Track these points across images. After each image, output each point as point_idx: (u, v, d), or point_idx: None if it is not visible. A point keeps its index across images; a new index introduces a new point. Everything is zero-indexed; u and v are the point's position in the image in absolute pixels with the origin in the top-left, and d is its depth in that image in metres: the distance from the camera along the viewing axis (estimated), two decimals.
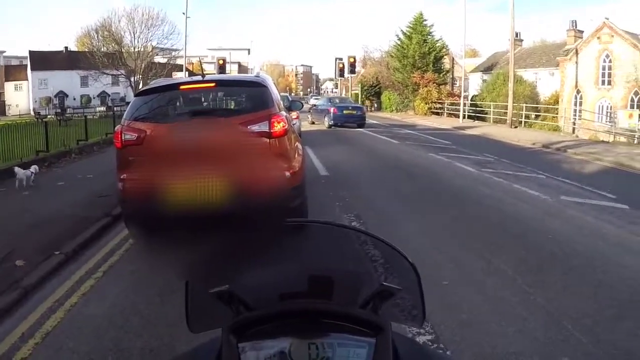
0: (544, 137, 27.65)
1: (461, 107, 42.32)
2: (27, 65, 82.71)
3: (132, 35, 60.46)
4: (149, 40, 61.50)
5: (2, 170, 14.56)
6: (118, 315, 5.64)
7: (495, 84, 43.65)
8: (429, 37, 57.73)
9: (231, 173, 6.97)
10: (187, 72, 47.82)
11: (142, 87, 32.12)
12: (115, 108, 54.52)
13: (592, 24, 35.83)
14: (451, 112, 48.37)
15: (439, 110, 51.15)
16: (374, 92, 69.55)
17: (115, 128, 7.76)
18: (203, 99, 8.99)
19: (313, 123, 35.99)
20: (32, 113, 66.70)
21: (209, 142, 7.02)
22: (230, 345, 1.34)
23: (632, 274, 6.70)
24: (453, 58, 66.12)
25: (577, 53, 35.42)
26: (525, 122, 36.39)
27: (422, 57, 55.91)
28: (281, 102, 8.48)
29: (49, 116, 47.72)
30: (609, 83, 33.03)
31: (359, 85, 70.23)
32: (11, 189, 12.78)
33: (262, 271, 1.69)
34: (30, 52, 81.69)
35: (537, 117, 38.39)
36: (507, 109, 35.90)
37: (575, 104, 35.69)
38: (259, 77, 8.65)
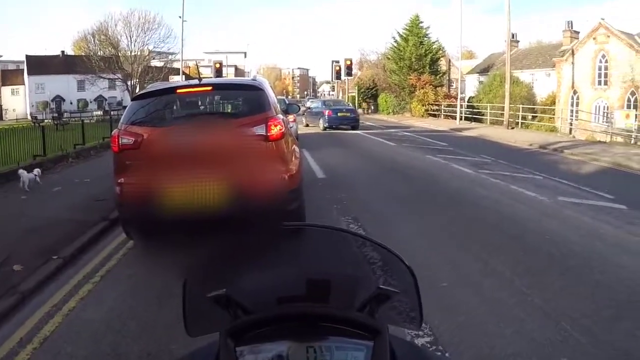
0: (541, 138, 27.64)
1: (458, 109, 42.39)
2: (23, 69, 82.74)
3: (129, 39, 60.62)
4: (145, 44, 61.66)
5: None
6: (116, 320, 5.63)
7: (492, 86, 43.74)
8: (425, 39, 57.79)
9: (228, 176, 6.97)
10: (183, 76, 47.85)
11: (139, 91, 32.12)
12: (112, 112, 54.56)
13: (588, 24, 36.07)
14: (448, 113, 48.40)
15: (435, 112, 51.19)
16: (370, 94, 69.66)
17: (112, 132, 7.75)
18: (200, 103, 8.99)
19: (307, 125, 36.06)
20: (29, 117, 66.82)
21: (206, 146, 7.02)
22: (228, 349, 1.34)
23: (630, 274, 6.70)
24: (449, 60, 66.27)
25: (573, 54, 35.53)
26: (522, 123, 36.45)
27: (418, 59, 55.95)
28: (278, 105, 8.48)
29: (46, 120, 47.82)
30: (606, 83, 33.13)
31: (356, 87, 70.31)
32: (9, 192, 12.78)
33: (259, 275, 1.69)
34: (27, 57, 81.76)
35: (533, 118, 38.50)
36: (503, 110, 35.94)
37: (572, 105, 35.81)
38: (255, 80, 8.65)
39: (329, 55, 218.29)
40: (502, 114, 36.42)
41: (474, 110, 44.27)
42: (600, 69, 33.64)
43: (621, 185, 14.22)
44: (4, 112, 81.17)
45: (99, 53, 60.96)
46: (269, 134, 7.16)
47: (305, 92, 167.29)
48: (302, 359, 1.32)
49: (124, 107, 21.99)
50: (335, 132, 31.91)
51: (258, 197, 6.96)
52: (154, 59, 65.43)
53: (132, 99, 8.42)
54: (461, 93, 45.80)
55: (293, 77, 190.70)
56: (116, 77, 60.81)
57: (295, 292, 1.57)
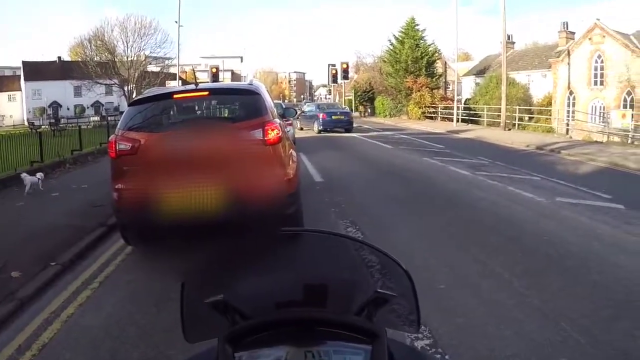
0: (538, 139, 27.66)
1: (454, 111, 42.38)
2: (20, 75, 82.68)
3: (125, 44, 60.57)
4: (141, 49, 61.59)
5: None
6: (114, 326, 5.62)
7: (488, 87, 43.71)
8: (421, 41, 57.74)
9: (226, 181, 6.97)
10: (180, 81, 47.81)
11: (136, 96, 32.13)
12: (109, 117, 54.47)
13: (584, 25, 36.03)
14: (445, 116, 48.42)
15: (432, 115, 51.19)
16: (367, 97, 69.61)
17: (110, 138, 7.75)
18: (197, 108, 8.99)
19: (302, 129, 36.12)
20: (26, 123, 66.73)
21: (203, 151, 7.02)
22: (226, 354, 1.34)
23: (628, 274, 6.71)
24: (446, 62, 66.27)
25: (569, 54, 35.57)
26: (518, 124, 36.44)
27: (414, 61, 55.91)
28: (275, 110, 8.50)
29: (43, 126, 47.66)
30: (602, 83, 33.16)
31: (353, 91, 70.29)
32: (7, 199, 12.79)
33: (257, 280, 1.69)
34: (24, 63, 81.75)
35: (530, 119, 38.49)
36: (500, 112, 35.97)
37: (568, 105, 35.81)
38: (252, 85, 8.66)
39: (325, 58, 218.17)
40: (499, 116, 36.44)
41: (471, 112, 44.26)
42: (596, 69, 33.67)
43: (618, 185, 14.23)
44: (1, 118, 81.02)
45: (95, 58, 60.93)
46: (266, 139, 7.18)
47: (302, 96, 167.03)
48: None
49: (121, 113, 21.91)
50: (332, 136, 31.96)
51: (256, 202, 6.96)
52: (150, 64, 65.39)
53: (129, 105, 8.42)
54: (458, 95, 45.76)
55: (289, 81, 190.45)
56: (113, 82, 60.74)
57: (293, 297, 1.57)
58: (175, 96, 8.17)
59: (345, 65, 49.97)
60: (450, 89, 60.19)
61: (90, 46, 62.59)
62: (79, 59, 65.61)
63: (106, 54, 60.29)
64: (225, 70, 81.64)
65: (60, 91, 79.34)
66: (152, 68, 65.69)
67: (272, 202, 7.11)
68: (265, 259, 1.73)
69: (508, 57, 40.31)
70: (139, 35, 60.80)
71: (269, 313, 1.47)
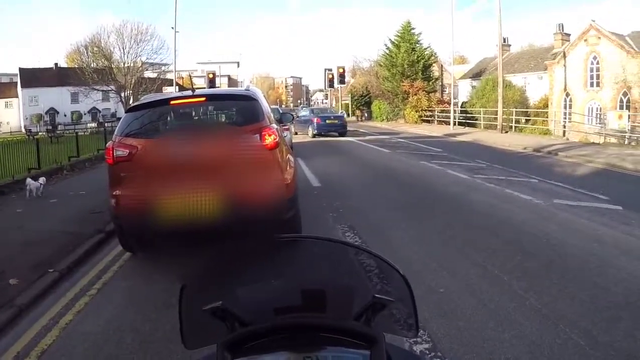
0: (535, 141, 27.69)
1: (451, 114, 42.41)
2: (17, 82, 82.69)
3: (122, 50, 60.71)
4: (138, 55, 61.74)
5: None
6: (113, 332, 5.61)
7: (485, 90, 43.80)
8: (417, 45, 57.76)
9: (224, 187, 6.96)
10: (177, 87, 47.84)
11: (133, 102, 32.13)
12: (106, 124, 54.51)
13: (579, 26, 36.16)
14: (442, 119, 48.48)
15: (429, 118, 51.23)
16: (364, 101, 69.71)
17: (107, 144, 7.75)
18: (194, 114, 8.98)
19: (296, 133, 36.24)
20: (23, 130, 66.62)
21: (200, 157, 7.02)
22: None
23: (627, 275, 6.71)
24: (442, 65, 66.31)
25: (564, 56, 35.68)
26: (515, 126, 36.51)
27: (410, 65, 55.93)
28: (272, 115, 8.49)
29: (40, 133, 47.69)
30: (598, 85, 33.28)
31: (349, 95, 70.36)
32: (4, 206, 12.78)
33: (256, 286, 1.69)
34: (20, 69, 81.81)
35: (527, 121, 38.57)
36: (497, 115, 36.04)
37: (565, 107, 35.93)
38: (249, 90, 8.67)
39: (322, 63, 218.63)
40: (496, 118, 36.52)
41: (468, 115, 44.33)
42: (592, 70, 33.80)
43: (616, 186, 14.25)
44: None
45: (92, 65, 61.02)
46: (263, 144, 7.18)
47: (299, 101, 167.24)
48: None
49: (118, 119, 21.90)
50: (329, 140, 32.00)
51: (253, 207, 6.96)
52: (147, 70, 65.44)
53: (126, 111, 8.41)
54: (454, 98, 45.81)
55: (286, 86, 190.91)
56: (110, 88, 60.83)
57: (291, 302, 1.57)
58: (172, 102, 8.16)
59: (341, 70, 50.16)
60: (447, 92, 60.27)
61: (87, 52, 62.70)
62: (76, 66, 65.59)
63: (103, 60, 60.39)
64: (222, 76, 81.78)
65: (57, 98, 79.36)
66: (148, 74, 65.73)
67: (270, 207, 7.11)
68: (263, 265, 1.73)
69: (504, 59, 40.39)
70: (135, 41, 60.98)
71: (267, 319, 1.47)
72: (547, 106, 38.01)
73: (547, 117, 36.95)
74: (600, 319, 5.36)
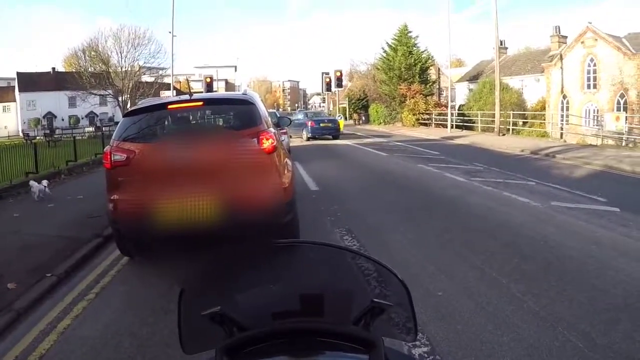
0: (532, 144, 27.73)
1: (449, 117, 42.53)
2: (14, 86, 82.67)
3: (119, 54, 60.68)
4: (135, 59, 61.75)
5: None
6: (111, 337, 5.60)
7: (482, 93, 43.88)
8: (414, 48, 57.92)
9: (222, 191, 6.96)
10: (174, 91, 47.84)
11: (130, 106, 32.13)
12: (103, 128, 54.52)
13: (576, 28, 36.19)
14: (439, 122, 48.53)
15: (426, 121, 51.31)
16: (361, 105, 69.82)
17: (105, 149, 7.75)
18: (191, 118, 8.98)
19: (290, 137, 36.40)
20: (20, 134, 66.71)
21: (198, 161, 7.01)
22: None
23: (626, 277, 6.71)
24: (439, 68, 66.44)
25: (561, 58, 35.72)
26: (513, 129, 36.53)
27: (408, 68, 56.08)
28: (269, 119, 8.49)
29: (37, 137, 47.71)
30: (595, 87, 33.31)
31: (347, 98, 70.42)
32: (1, 210, 12.76)
33: (254, 291, 1.69)
34: (18, 74, 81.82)
35: (524, 123, 38.60)
36: (494, 117, 36.07)
37: (562, 109, 35.96)
38: (246, 94, 8.66)
39: (319, 67, 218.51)
40: (493, 121, 36.55)
41: (465, 118, 44.41)
42: (589, 72, 33.84)
43: (614, 188, 14.27)
44: None
45: (89, 69, 61.03)
46: (261, 148, 7.18)
47: (296, 105, 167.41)
48: None
49: (116, 123, 21.88)
50: (326, 144, 32.08)
51: (252, 211, 6.96)
52: (144, 74, 65.46)
53: (124, 115, 8.41)
54: (451, 101, 45.97)
55: (283, 90, 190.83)
56: (107, 93, 60.86)
57: (289, 307, 1.57)
58: (169, 107, 8.16)
59: (338, 73, 50.04)
60: (444, 95, 60.42)
61: (84, 57, 62.70)
62: (73, 70, 65.71)
63: (100, 64, 60.37)
64: (219, 80, 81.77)
65: (55, 102, 79.45)
66: (146, 78, 65.74)
67: (268, 211, 7.11)
68: (262, 269, 1.73)
69: (501, 62, 40.48)
70: (132, 45, 60.98)
71: (266, 324, 1.47)
72: (545, 108, 38.08)
73: (544, 120, 37.03)
74: (599, 321, 5.36)
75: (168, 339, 5.16)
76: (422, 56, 58.01)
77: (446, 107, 46.50)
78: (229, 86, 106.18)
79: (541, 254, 7.81)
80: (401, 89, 54.46)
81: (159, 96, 47.24)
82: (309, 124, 36.38)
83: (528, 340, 5.00)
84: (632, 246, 8.22)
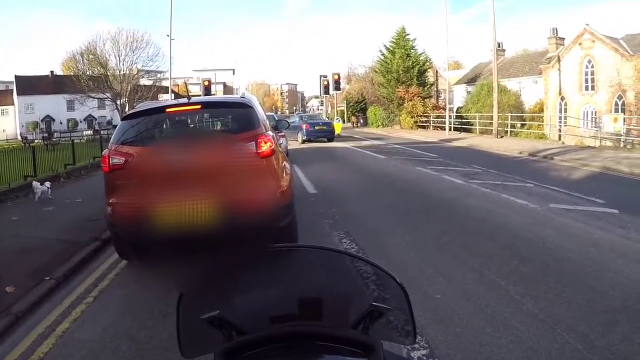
0: (531, 146, 27.75)
1: (447, 120, 42.52)
2: (13, 90, 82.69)
3: (117, 58, 60.76)
4: (134, 62, 61.82)
5: None
6: (110, 340, 5.60)
7: (480, 95, 43.88)
8: (412, 51, 57.91)
9: (220, 194, 6.96)
10: (172, 94, 47.83)
11: (129, 110, 32.13)
12: (102, 131, 54.45)
13: (574, 30, 36.22)
14: (437, 124, 48.57)
15: (424, 124, 51.34)
16: (359, 108, 69.84)
17: (103, 152, 7.75)
18: (189, 122, 8.99)
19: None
20: (19, 138, 66.70)
21: (196, 165, 7.01)
22: None
23: (624, 278, 6.71)
24: (437, 71, 66.45)
25: (559, 60, 35.73)
26: (511, 131, 36.53)
27: (405, 71, 56.06)
28: (267, 122, 8.49)
29: (36, 141, 47.70)
30: (593, 88, 33.33)
31: (345, 101, 70.42)
32: (0, 213, 12.78)
33: (253, 295, 1.69)
34: (16, 77, 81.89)
35: (522, 125, 38.62)
36: (492, 120, 36.10)
37: (560, 111, 35.96)
38: (244, 97, 8.66)
39: (317, 70, 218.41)
40: (491, 123, 36.59)
41: (463, 120, 44.40)
42: (586, 74, 33.85)
43: (612, 189, 14.28)
44: None
45: (87, 72, 61.06)
46: (259, 151, 7.17)
47: (294, 108, 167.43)
48: None
49: (114, 127, 21.85)
50: (324, 146, 32.14)
51: (250, 214, 6.96)
52: (142, 77, 65.51)
53: (122, 119, 8.41)
54: (449, 104, 45.87)
55: (281, 93, 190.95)
56: (105, 96, 60.92)
57: (288, 311, 1.57)
58: (167, 110, 8.16)
59: (336, 76, 50.13)
60: (442, 97, 60.36)
61: (83, 60, 62.74)
62: (72, 73, 65.73)
63: (98, 67, 60.41)
64: (217, 83, 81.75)
65: (53, 105, 79.43)
66: (144, 81, 65.82)
67: (266, 214, 7.10)
68: (260, 273, 1.73)
69: (499, 64, 40.49)
70: (131, 48, 61.06)
71: (264, 328, 1.47)
72: (543, 110, 38.07)
73: (542, 122, 37.02)
74: (598, 322, 5.37)
75: (167, 342, 5.16)
76: (420, 59, 58.00)
77: (444, 109, 46.48)
78: (227, 89, 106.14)
79: (539, 256, 7.82)
80: (399, 91, 54.46)
81: (157, 99, 47.29)
82: (304, 126, 37.03)
83: (527, 343, 5.00)
84: (631, 248, 8.22)
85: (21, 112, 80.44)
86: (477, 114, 41.47)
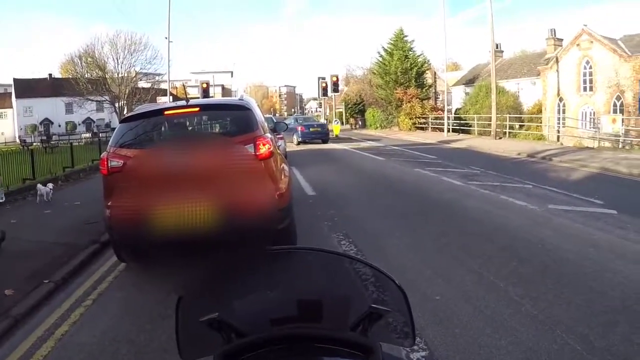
0: (529, 147, 27.76)
1: (445, 121, 42.54)
2: (11, 92, 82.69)
3: (116, 60, 60.57)
4: (132, 65, 61.63)
5: None
6: (109, 343, 5.59)
7: (478, 96, 43.90)
8: (410, 52, 57.93)
9: (218, 197, 6.95)
10: (171, 97, 47.83)
11: (127, 112, 32.15)
12: (100, 134, 54.42)
13: (572, 31, 36.21)
14: (435, 126, 48.57)
15: (423, 125, 51.31)
16: (358, 109, 69.89)
17: (101, 155, 7.74)
18: (188, 124, 8.98)
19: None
20: (17, 141, 66.60)
21: (195, 167, 7.00)
22: None
23: (623, 279, 6.72)
24: (435, 72, 66.44)
25: (557, 61, 35.75)
26: (509, 132, 36.59)
27: (404, 72, 56.06)
28: (265, 124, 8.49)
29: (34, 144, 47.64)
30: (591, 89, 33.35)
31: (343, 103, 70.43)
32: None
33: (252, 297, 1.69)
34: (15, 80, 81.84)
35: (521, 127, 38.62)
36: (491, 121, 36.09)
37: (559, 112, 35.98)
38: (242, 100, 8.66)
39: (315, 71, 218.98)
40: (490, 125, 36.58)
41: (462, 121, 44.38)
42: (585, 75, 33.86)
43: (610, 190, 14.28)
44: None
45: (86, 75, 60.91)
46: (257, 154, 7.17)
47: (293, 110, 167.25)
48: None
49: (112, 129, 21.87)
50: (322, 148, 32.20)
51: (248, 217, 6.94)
52: (141, 80, 65.40)
53: (120, 122, 8.40)
54: (448, 105, 45.86)
55: (280, 95, 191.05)
56: (104, 99, 60.77)
57: (287, 313, 1.57)
58: (166, 113, 8.15)
59: (335, 78, 50.12)
60: (440, 99, 60.40)
61: (81, 63, 62.60)
62: (70, 76, 65.64)
63: (97, 70, 60.29)
64: (215, 86, 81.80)
65: (52, 108, 79.37)
66: (142, 84, 65.71)
67: (264, 217, 7.09)
68: (259, 275, 1.73)
69: (497, 65, 40.52)
70: (129, 51, 60.90)
71: (264, 330, 1.47)
72: (541, 111, 38.06)
73: (540, 123, 37.01)
74: (597, 323, 5.37)
75: (166, 345, 5.16)
76: (418, 60, 58.03)
77: (443, 111, 46.51)
78: (226, 92, 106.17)
79: (538, 257, 7.82)
80: (397, 93, 54.46)
81: (156, 102, 47.29)
82: (299, 129, 37.61)
83: (526, 344, 5.00)
84: (630, 248, 8.22)
85: (20, 115, 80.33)
86: (475, 116, 41.49)
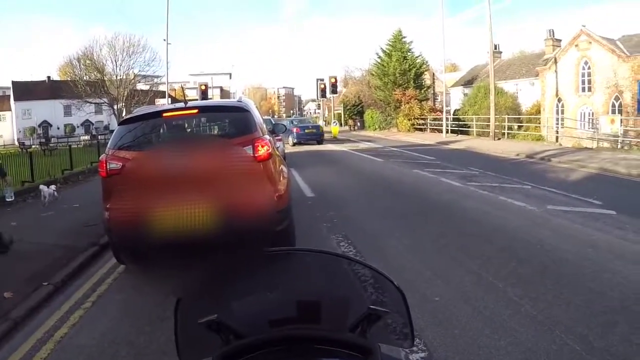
0: (528, 148, 27.74)
1: (444, 122, 42.52)
2: (10, 95, 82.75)
3: (114, 63, 60.64)
4: (130, 67, 61.72)
5: None
6: (108, 345, 5.59)
7: (477, 97, 43.92)
8: (409, 53, 57.84)
9: (217, 199, 6.95)
10: (169, 99, 47.83)
11: (125, 114, 32.14)
12: (99, 136, 54.47)
13: (572, 32, 36.26)
14: (434, 127, 48.55)
15: (422, 126, 51.27)
16: (356, 111, 69.88)
17: (100, 157, 7.74)
18: (186, 126, 8.98)
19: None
20: (16, 143, 66.62)
21: (193, 169, 7.00)
22: None
23: (622, 279, 6.72)
24: (434, 73, 66.43)
25: (556, 62, 35.80)
26: (508, 133, 36.58)
27: (402, 74, 55.98)
28: (264, 126, 8.49)
29: (33, 146, 47.68)
30: (590, 90, 33.39)
31: (342, 105, 70.44)
32: None
33: (251, 298, 1.69)
34: (13, 83, 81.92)
35: (519, 127, 38.64)
36: (489, 122, 36.08)
37: (557, 113, 36.03)
38: (241, 102, 8.65)
39: (313, 73, 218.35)
40: (488, 125, 36.57)
41: (460, 122, 44.37)
42: (583, 75, 33.90)
43: (609, 190, 14.27)
44: None
45: (84, 78, 60.96)
46: (256, 155, 7.17)
47: (292, 111, 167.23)
48: None
49: (111, 132, 21.92)
50: (321, 150, 32.23)
51: (247, 219, 6.95)
52: (139, 82, 65.45)
53: (119, 124, 8.40)
54: (446, 106, 45.91)
55: (278, 97, 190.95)
56: (102, 101, 60.82)
57: (286, 314, 1.57)
58: (164, 115, 8.14)
59: (333, 80, 50.20)
60: (439, 100, 60.42)
61: (79, 65, 62.64)
62: (68, 79, 65.68)
63: (95, 73, 60.33)
64: (214, 87, 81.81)
65: (50, 111, 79.41)
66: (141, 86, 65.75)
67: (263, 218, 7.09)
68: (258, 277, 1.73)
69: (495, 66, 40.53)
70: (127, 53, 60.97)
71: (262, 331, 1.47)
72: (539, 112, 38.09)
73: (539, 123, 37.03)
74: (596, 324, 5.37)
75: (165, 347, 5.16)
76: (417, 61, 57.93)
77: (441, 112, 46.53)
78: (224, 93, 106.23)
79: (537, 258, 7.82)
80: (396, 94, 54.39)
81: (154, 104, 47.30)
82: (295, 130, 38.08)
83: (526, 344, 5.00)
84: (629, 249, 8.22)
85: (18, 117, 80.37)
86: (474, 116, 41.51)
